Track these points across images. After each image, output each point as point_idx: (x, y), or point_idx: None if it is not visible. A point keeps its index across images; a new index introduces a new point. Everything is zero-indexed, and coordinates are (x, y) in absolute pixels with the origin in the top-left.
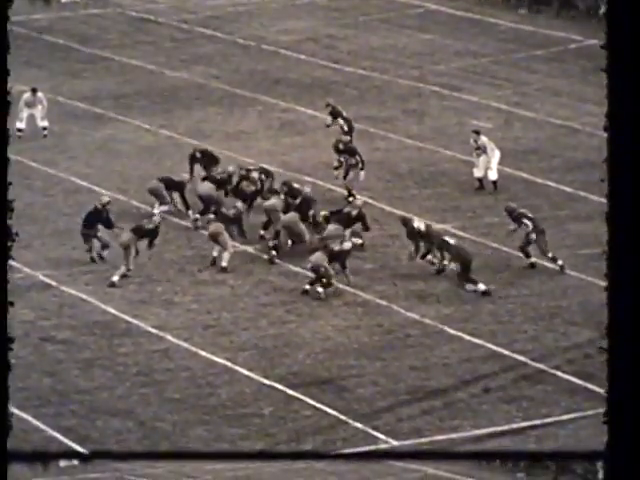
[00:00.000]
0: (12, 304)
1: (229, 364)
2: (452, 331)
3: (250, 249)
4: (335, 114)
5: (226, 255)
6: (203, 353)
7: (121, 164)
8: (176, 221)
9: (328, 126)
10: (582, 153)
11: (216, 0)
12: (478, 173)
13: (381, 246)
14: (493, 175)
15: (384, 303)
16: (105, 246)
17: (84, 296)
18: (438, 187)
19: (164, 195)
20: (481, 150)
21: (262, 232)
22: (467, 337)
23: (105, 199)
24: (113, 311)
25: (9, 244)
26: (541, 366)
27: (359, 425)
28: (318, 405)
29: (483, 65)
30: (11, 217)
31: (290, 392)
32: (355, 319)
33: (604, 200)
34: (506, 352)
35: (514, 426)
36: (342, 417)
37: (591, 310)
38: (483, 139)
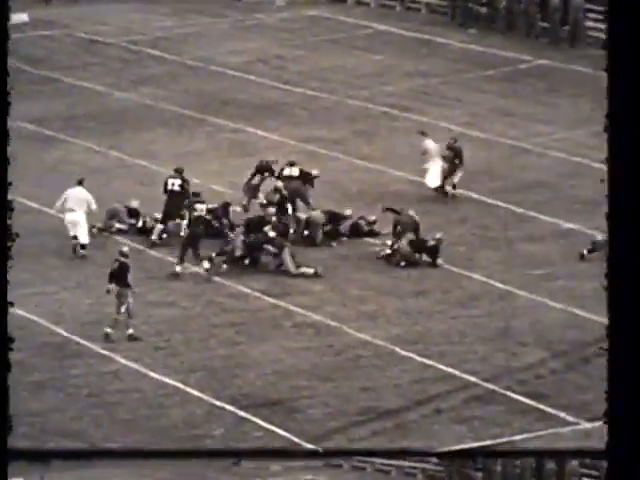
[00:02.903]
0: (12, 304)
1: (180, 385)
2: (403, 352)
3: (200, 271)
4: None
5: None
6: (154, 374)
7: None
8: (126, 242)
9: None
10: (533, 173)
11: (164, 21)
12: (432, 183)
13: (331, 267)
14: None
15: (334, 324)
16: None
17: (34, 317)
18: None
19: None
20: (427, 155)
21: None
22: (418, 358)
23: (125, 249)
24: (64, 333)
25: (9, 244)
26: (492, 386)
27: (310, 446)
28: (269, 426)
29: (433, 85)
30: (11, 217)
31: (241, 413)
32: (306, 340)
33: (555, 220)
34: (457, 373)
35: (465, 446)
36: (293, 438)
37: (542, 330)
38: (428, 143)
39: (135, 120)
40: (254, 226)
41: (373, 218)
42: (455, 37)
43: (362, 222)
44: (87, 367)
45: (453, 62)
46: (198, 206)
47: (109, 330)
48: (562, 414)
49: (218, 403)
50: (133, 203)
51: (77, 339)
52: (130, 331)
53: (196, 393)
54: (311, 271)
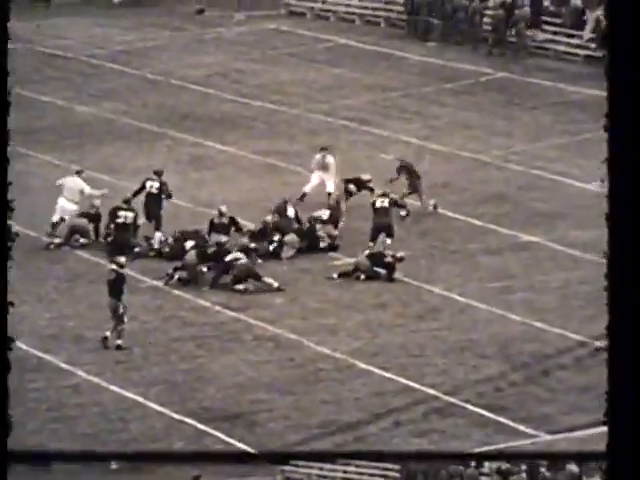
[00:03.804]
0: (12, 304)
1: (140, 399)
2: (363, 365)
3: (160, 284)
4: None
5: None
6: (114, 388)
7: (31, 200)
8: (87, 256)
9: None
10: (492, 186)
11: (125, 36)
12: (307, 189)
13: (291, 280)
14: (331, 187)
15: (295, 337)
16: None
17: None
18: (350, 221)
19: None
20: (324, 167)
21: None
22: (378, 371)
23: (122, 259)
24: (24, 347)
25: (9, 244)
26: (452, 399)
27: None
28: (229, 440)
29: (392, 99)
30: (11, 217)
31: (201, 427)
32: (266, 354)
33: (514, 233)
34: (417, 386)
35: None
36: (253, 452)
37: (501, 343)
38: (331, 159)
39: (96, 134)
40: (209, 256)
41: (335, 233)
42: (414, 50)
43: (322, 234)
44: (47, 381)
45: (412, 75)
46: (121, 213)
47: (119, 342)
48: (522, 427)
49: (178, 417)
50: (96, 202)
51: (37, 353)
52: (118, 341)
53: (156, 407)
54: (241, 287)
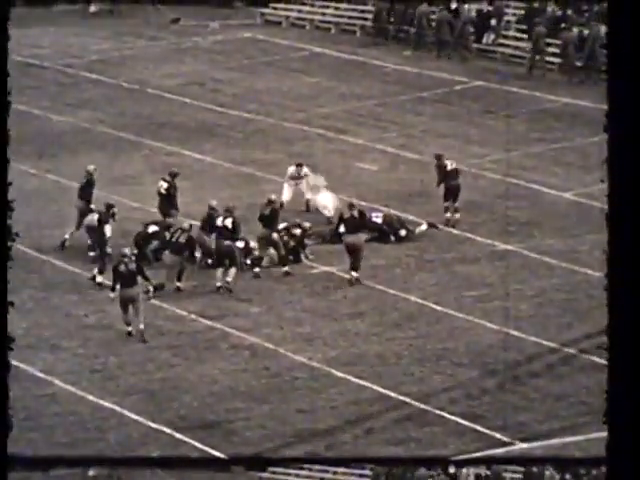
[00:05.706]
0: (12, 304)
1: (117, 408)
2: (339, 373)
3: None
4: None
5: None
6: (90, 397)
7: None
8: (63, 266)
9: None
10: (468, 194)
11: (101, 45)
12: (308, 195)
13: (267, 289)
14: (308, 194)
15: (271, 346)
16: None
17: None
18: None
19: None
20: (302, 178)
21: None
22: (354, 379)
23: (126, 250)
24: None
25: (9, 244)
26: (428, 407)
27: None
28: (206, 448)
29: (368, 107)
30: (11, 217)
31: (178, 435)
32: (242, 362)
33: (490, 241)
34: (393, 394)
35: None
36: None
37: (478, 351)
38: (306, 169)
39: (72, 143)
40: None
41: (307, 225)
42: (390, 59)
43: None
44: (24, 390)
45: (388, 84)
46: (88, 215)
47: (142, 326)
48: (498, 435)
49: (155, 425)
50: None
51: (14, 362)
52: (142, 326)
53: (133, 416)
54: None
